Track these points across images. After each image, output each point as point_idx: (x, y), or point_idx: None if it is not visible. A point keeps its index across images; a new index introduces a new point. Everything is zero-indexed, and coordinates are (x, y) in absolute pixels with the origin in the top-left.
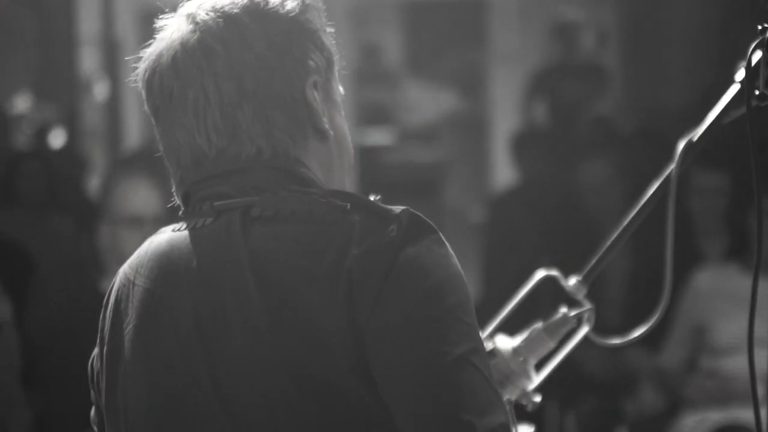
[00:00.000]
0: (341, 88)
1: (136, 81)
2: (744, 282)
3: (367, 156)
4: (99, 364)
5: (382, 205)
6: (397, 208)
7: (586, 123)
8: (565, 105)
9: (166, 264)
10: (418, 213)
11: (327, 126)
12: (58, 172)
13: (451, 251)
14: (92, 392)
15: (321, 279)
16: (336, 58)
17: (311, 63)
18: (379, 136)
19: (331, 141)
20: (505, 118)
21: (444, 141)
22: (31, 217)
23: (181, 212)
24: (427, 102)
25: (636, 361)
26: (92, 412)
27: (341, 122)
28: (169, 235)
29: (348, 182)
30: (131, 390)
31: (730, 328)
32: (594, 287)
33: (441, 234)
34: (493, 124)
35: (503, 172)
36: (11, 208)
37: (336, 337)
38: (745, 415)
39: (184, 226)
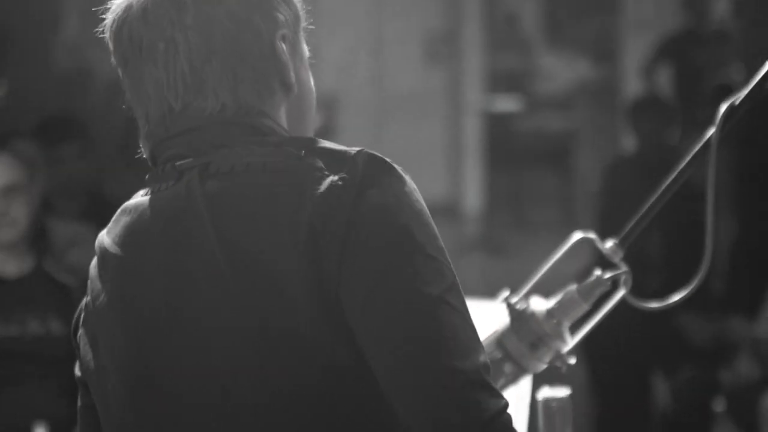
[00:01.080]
0: (306, 47)
1: (103, 32)
2: None
3: (498, 123)
4: (79, 329)
5: (337, 147)
6: (352, 149)
7: (708, 91)
8: (689, 72)
9: (133, 229)
10: (374, 152)
11: (294, 80)
12: None
13: (413, 185)
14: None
15: (282, 229)
16: (302, 13)
17: (280, 16)
18: (510, 104)
19: (296, 94)
20: (637, 86)
21: (576, 109)
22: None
23: (147, 176)
24: (560, 69)
25: (734, 331)
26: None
27: (306, 77)
28: (138, 200)
29: (310, 134)
30: (109, 359)
31: None
32: (700, 256)
33: (399, 169)
34: (626, 92)
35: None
36: (129, 171)
37: (301, 287)
38: None
39: (151, 189)
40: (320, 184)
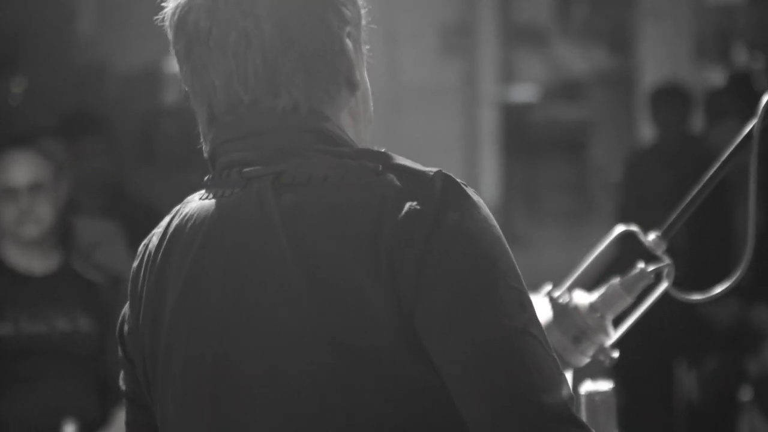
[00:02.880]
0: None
1: (163, 20)
2: None
3: (514, 114)
4: (133, 335)
5: (413, 165)
6: (431, 170)
7: (725, 79)
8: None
9: (196, 234)
10: (451, 174)
11: (359, 78)
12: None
13: (488, 212)
14: (121, 354)
15: (359, 247)
16: (363, 11)
17: (347, 12)
18: (524, 93)
19: (359, 94)
20: (653, 76)
21: (591, 99)
22: (168, 175)
23: (206, 179)
24: (574, 59)
25: (761, 320)
26: (121, 378)
27: (365, 76)
28: (198, 204)
29: (368, 136)
30: (171, 369)
31: None
32: (726, 244)
33: (473, 192)
34: (641, 82)
35: (650, 131)
36: (150, 166)
37: (377, 306)
38: None
39: (212, 194)
40: (399, 205)
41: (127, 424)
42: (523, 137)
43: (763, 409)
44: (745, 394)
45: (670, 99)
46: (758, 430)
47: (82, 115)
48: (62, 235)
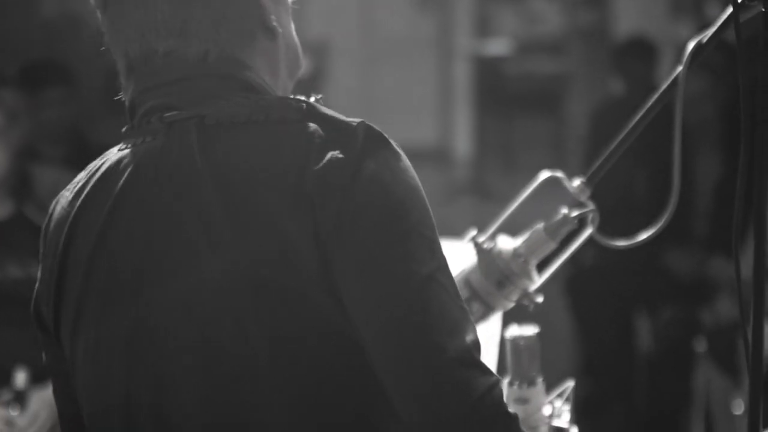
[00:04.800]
0: None
1: None
2: None
3: (488, 67)
4: (48, 296)
5: (335, 115)
6: (354, 121)
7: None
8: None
9: (115, 183)
10: (374, 125)
11: (275, 24)
12: None
13: (407, 162)
14: (38, 331)
15: (283, 191)
16: None
17: None
18: (499, 47)
19: (279, 40)
20: (628, 30)
21: (566, 53)
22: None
23: (124, 129)
24: (549, 13)
25: (716, 271)
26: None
27: (288, 22)
28: (117, 155)
29: (291, 84)
30: (90, 324)
31: None
32: (682, 197)
33: (395, 144)
34: (617, 36)
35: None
36: (113, 117)
37: (300, 250)
38: None
39: (132, 143)
40: (322, 154)
41: (54, 392)
42: (497, 91)
43: (717, 360)
44: (699, 345)
45: (637, 52)
46: (713, 381)
47: (45, 64)
48: (17, 182)
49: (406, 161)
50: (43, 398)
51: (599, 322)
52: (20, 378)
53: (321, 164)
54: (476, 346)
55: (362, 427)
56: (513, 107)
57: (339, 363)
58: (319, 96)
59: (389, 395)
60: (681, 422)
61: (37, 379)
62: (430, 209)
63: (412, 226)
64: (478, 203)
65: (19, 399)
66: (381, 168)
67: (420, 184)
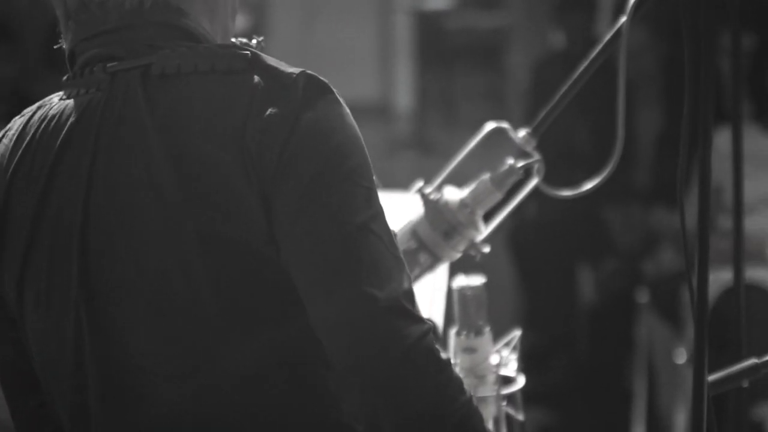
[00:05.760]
0: None
1: None
2: (764, 142)
3: (429, 21)
4: None
5: (278, 65)
6: (294, 71)
7: None
8: None
9: (56, 135)
10: (313, 73)
11: None
12: None
13: (347, 110)
14: None
15: (227, 142)
16: None
17: None
18: (439, 1)
19: None
20: None
21: (506, 6)
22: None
23: (65, 78)
24: None
25: (657, 222)
26: None
27: None
28: (58, 103)
29: (232, 27)
30: (39, 275)
31: (747, 188)
32: (625, 148)
33: (336, 93)
34: None
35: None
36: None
37: (243, 199)
38: (758, 274)
39: (74, 92)
40: (263, 107)
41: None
42: (438, 45)
43: (659, 311)
44: (642, 296)
45: (578, 5)
46: (654, 331)
47: None
48: None
49: (345, 109)
50: None
51: (541, 274)
52: None
53: (261, 119)
54: (409, 295)
55: (291, 373)
56: (453, 61)
57: (278, 312)
58: (261, 38)
59: (322, 343)
60: (623, 372)
61: None
62: (368, 158)
63: (348, 174)
64: (420, 157)
65: None
66: (319, 117)
67: (359, 132)
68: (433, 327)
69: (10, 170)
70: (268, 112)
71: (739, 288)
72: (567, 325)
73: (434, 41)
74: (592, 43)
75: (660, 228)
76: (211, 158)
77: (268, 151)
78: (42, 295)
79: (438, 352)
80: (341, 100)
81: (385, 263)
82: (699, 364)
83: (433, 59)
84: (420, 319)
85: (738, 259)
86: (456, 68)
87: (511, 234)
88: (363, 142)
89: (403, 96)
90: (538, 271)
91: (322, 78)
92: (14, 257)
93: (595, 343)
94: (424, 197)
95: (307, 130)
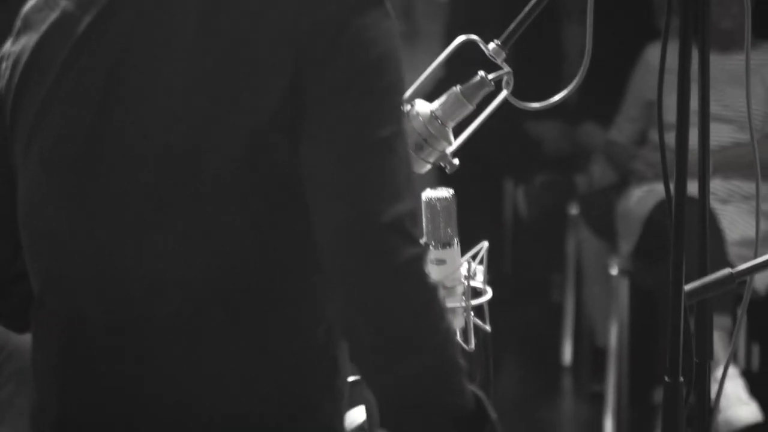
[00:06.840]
0: None
1: None
2: (695, 58)
3: None
4: (10, 80)
5: None
6: None
7: None
8: None
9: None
10: None
11: None
12: None
13: (395, 26)
14: None
15: (274, 36)
16: None
17: None
18: None
19: None
20: None
21: None
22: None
23: None
24: None
25: (589, 136)
26: None
27: None
28: None
29: None
30: (49, 131)
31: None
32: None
33: (389, 6)
34: None
35: None
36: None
37: (275, 90)
38: (689, 187)
39: None
40: (317, 7)
41: None
42: None
43: (589, 223)
44: (573, 209)
45: None
46: (584, 242)
47: None
48: None
49: (394, 24)
50: None
51: (468, 191)
52: None
53: (312, 19)
54: (412, 216)
55: (276, 264)
56: None
57: (279, 198)
58: None
59: (316, 247)
60: (553, 285)
61: None
62: (404, 77)
63: (385, 86)
64: None
65: None
66: (368, 25)
67: (400, 53)
68: (426, 252)
69: (49, 22)
70: (321, 11)
71: (704, 204)
72: (494, 241)
73: None
74: None
75: (590, 140)
76: (249, 49)
77: (314, 48)
78: (46, 153)
79: (428, 276)
80: (392, 14)
81: (397, 180)
82: (676, 276)
83: None
84: (417, 243)
85: (703, 178)
86: None
87: None
88: (401, 61)
89: None
90: (464, 189)
91: None
92: (31, 106)
93: (524, 257)
94: None
95: (354, 35)
